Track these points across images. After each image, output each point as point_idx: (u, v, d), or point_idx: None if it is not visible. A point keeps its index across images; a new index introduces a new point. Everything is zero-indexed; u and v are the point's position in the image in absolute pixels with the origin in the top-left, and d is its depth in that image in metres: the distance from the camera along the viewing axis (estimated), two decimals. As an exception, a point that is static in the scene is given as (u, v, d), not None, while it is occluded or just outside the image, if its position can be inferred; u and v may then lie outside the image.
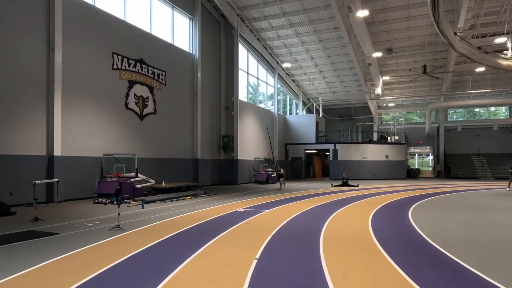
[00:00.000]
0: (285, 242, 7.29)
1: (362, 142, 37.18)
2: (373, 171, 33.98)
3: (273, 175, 27.40)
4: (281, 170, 23.05)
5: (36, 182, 11.62)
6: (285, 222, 9.69)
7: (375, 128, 41.50)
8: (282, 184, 22.63)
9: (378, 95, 34.12)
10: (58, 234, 8.12)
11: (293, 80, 37.28)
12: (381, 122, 43.22)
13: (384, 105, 41.04)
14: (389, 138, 38.03)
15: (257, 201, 14.98)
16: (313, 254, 6.36)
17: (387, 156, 34.76)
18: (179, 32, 22.19)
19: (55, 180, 13.00)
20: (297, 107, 40.28)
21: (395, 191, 20.29)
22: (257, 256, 6.11)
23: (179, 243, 7.22)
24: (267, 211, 11.93)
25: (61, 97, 13.99)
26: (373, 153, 34.58)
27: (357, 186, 23.90)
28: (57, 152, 13.83)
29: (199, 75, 23.09)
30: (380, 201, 14.83)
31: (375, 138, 39.83)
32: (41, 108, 13.56)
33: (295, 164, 35.77)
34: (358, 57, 29.10)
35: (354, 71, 33.25)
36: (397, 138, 38.14)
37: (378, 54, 27.68)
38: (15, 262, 5.82)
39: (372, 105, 39.51)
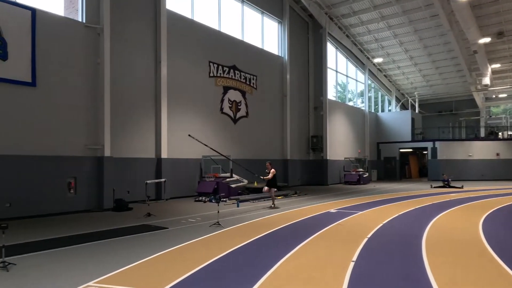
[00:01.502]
0: (383, 246, 7.05)
1: (467, 139, 33.48)
2: (481, 171, 30.39)
3: (365, 176, 26.41)
4: (271, 171, 13.24)
5: (148, 181, 13.11)
6: (381, 224, 9.34)
7: (482, 123, 36.99)
8: (272, 201, 13.41)
9: (486, 85, 30.43)
10: (167, 228, 9.06)
11: (385, 76, 35.38)
12: (490, 116, 38.37)
13: (494, 96, 36.37)
14: (500, 133, 33.60)
15: (349, 202, 14.65)
16: (415, 260, 6.05)
17: (498, 154, 30.79)
18: (268, 36, 22.82)
19: (162, 179, 14.49)
20: (389, 103, 38.10)
21: (509, 193, 17.90)
22: (354, 259, 6.04)
23: (274, 241, 7.50)
24: (361, 212, 11.60)
25: (166, 105, 15.55)
26: (481, 151, 30.93)
27: (462, 187, 21.68)
28: (164, 155, 15.40)
29: (288, 77, 23.43)
30: (491, 205, 13.27)
31: (482, 134, 35.53)
32: (151, 116, 15.25)
33: (388, 164, 33.86)
34: (460, 45, 26.38)
35: (455, 61, 30.20)
36: (511, 133, 33.48)
37: (485, 40, 24.68)
38: (134, 251, 6.70)
39: (478, 98, 35.36)
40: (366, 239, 7.55)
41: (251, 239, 7.59)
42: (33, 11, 11.22)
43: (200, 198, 15.33)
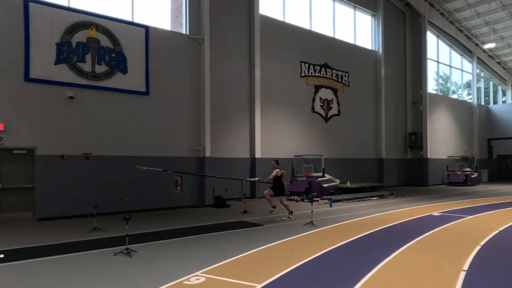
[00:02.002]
0: (502, 257, 6.32)
1: None
2: None
3: (473, 176, 23.71)
4: (275, 171, 10.76)
5: (243, 180, 13.79)
6: (497, 231, 8.35)
7: None
8: (287, 210, 10.72)
9: None
10: (263, 225, 9.44)
11: (498, 63, 31.20)
12: None
13: None
14: None
15: (454, 205, 13.36)
16: (540, 275, 5.30)
17: None
18: (360, 31, 22.01)
19: (256, 178, 15.06)
20: (504, 94, 33.46)
21: None
22: (465, 268, 5.55)
23: (371, 244, 7.28)
24: (470, 217, 10.51)
25: (260, 107, 16.13)
26: None
27: None
28: (257, 154, 16.00)
29: (382, 71, 22.29)
30: None
31: None
32: (246, 117, 15.99)
33: (504, 163, 29.79)
34: None
35: None
36: None
37: None
38: (235, 246, 7.16)
39: None
40: (478, 247, 6.85)
41: (346, 240, 7.49)
42: (147, 28, 12.74)
43: (292, 197, 15.53)
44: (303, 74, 18.43)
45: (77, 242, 7.54)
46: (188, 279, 5.05)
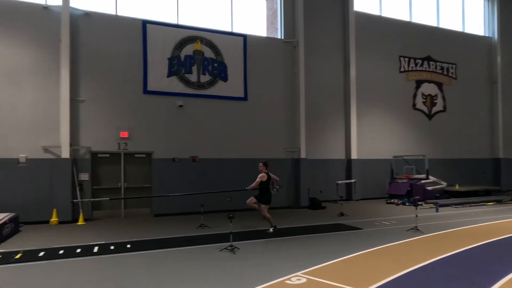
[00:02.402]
0: None
1: None
2: None
3: None
4: (259, 176, 8.85)
5: (338, 182, 13.63)
6: None
7: None
8: (269, 221, 8.90)
9: None
10: (361, 229, 9.23)
11: None
12: None
13: None
14: None
15: None
16: None
17: None
18: (470, 17, 19.78)
19: (352, 180, 14.73)
20: None
21: None
22: None
23: (489, 255, 6.59)
24: None
25: (355, 106, 15.72)
26: None
27: None
28: (353, 155, 15.61)
29: (498, 59, 19.70)
30: None
31: None
32: (341, 118, 15.74)
33: None
34: None
35: None
36: None
37: None
38: (334, 248, 7.17)
39: None
40: None
41: (457, 250, 6.91)
42: (245, 37, 13.50)
43: (392, 200, 14.77)
44: (402, 69, 17.36)
45: (188, 237, 8.39)
46: (289, 279, 5.26)
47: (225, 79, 13.08)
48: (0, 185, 10.13)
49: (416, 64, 17.67)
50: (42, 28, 10.79)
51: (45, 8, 10.88)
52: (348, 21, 15.70)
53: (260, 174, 8.83)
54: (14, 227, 8.87)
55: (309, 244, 7.67)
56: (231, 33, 13.45)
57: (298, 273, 5.51)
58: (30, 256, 6.70)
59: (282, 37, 14.33)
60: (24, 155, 10.42)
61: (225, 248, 6.99)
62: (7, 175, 10.23)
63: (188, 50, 12.49)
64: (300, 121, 14.04)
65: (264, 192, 8.80)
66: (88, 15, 11.37)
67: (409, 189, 14.71)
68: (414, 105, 17.65)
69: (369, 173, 16.05)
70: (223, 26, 13.56)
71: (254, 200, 8.88)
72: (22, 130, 10.46)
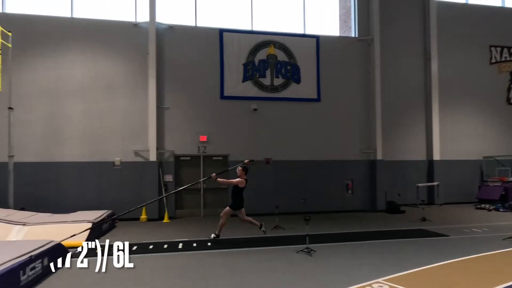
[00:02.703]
0: None
1: None
2: None
3: None
4: (244, 183, 8.26)
5: (419, 185, 12.81)
6: None
7: None
8: (256, 225, 8.50)
9: None
10: (448, 236, 8.56)
11: None
12: None
13: None
14: None
15: None
16: None
17: None
18: None
19: (435, 183, 13.72)
20: None
21: None
22: None
23: None
24: None
25: (438, 103, 14.64)
26: None
27: None
28: (436, 156, 14.55)
29: None
30: None
31: None
32: (420, 116, 14.79)
33: None
34: None
35: None
36: None
37: None
38: (417, 255, 6.76)
39: None
40: None
41: None
42: (317, 38, 13.46)
43: (483, 205, 13.45)
44: (493, 61, 15.71)
45: (264, 238, 8.54)
46: (370, 285, 5.11)
47: (298, 81, 13.15)
48: (99, 185, 11.45)
49: (510, 54, 15.87)
50: (132, 44, 11.98)
51: (135, 25, 12.06)
52: (428, 13, 14.69)
53: (239, 179, 8.13)
54: (111, 223, 9.94)
55: (389, 249, 7.36)
56: (304, 35, 13.49)
57: (380, 280, 5.31)
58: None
59: (356, 35, 13.95)
60: (119, 159, 11.64)
61: (302, 250, 7.01)
62: (104, 176, 11.52)
63: (262, 54, 12.84)
64: (376, 121, 13.51)
65: (238, 198, 8.22)
66: (171, 28, 12.32)
67: (503, 193, 13.28)
68: (508, 99, 15.85)
69: (453, 176, 14.82)
70: (296, 28, 13.65)
71: (231, 212, 8.24)
72: (117, 136, 11.69)
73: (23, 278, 4.75)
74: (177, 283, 5.49)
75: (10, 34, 9.66)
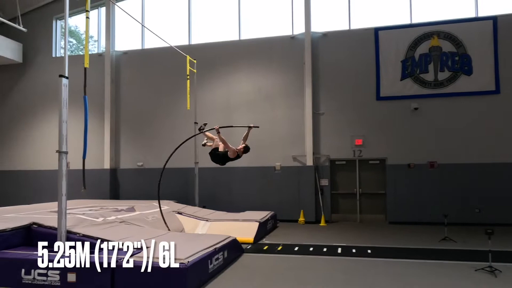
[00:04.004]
0: None
1: None
2: None
3: None
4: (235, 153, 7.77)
5: None
6: None
7: None
8: None
9: None
10: None
11: None
12: None
13: None
14: None
15: None
16: None
17: None
18: None
19: None
20: None
21: None
22: None
23: None
24: None
25: None
26: None
27: None
28: None
29: None
30: None
31: None
32: None
33: None
34: None
35: None
36: None
37: None
38: None
39: None
40: None
41: None
42: (494, 19, 11.40)
43: None
44: None
45: (431, 250, 7.77)
46: None
47: (468, 72, 11.44)
48: (263, 188, 12.52)
49: None
50: (289, 55, 12.71)
51: (292, 37, 12.77)
52: None
53: (233, 149, 7.96)
54: (273, 224, 10.75)
55: None
56: (476, 19, 11.64)
57: None
58: (288, 249, 7.93)
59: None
60: (279, 164, 12.49)
61: (482, 269, 6.07)
62: (267, 180, 12.52)
63: (423, 48, 11.72)
64: None
65: (219, 159, 8.32)
66: (325, 35, 12.56)
67: None
68: None
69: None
70: (464, 13, 11.90)
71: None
72: (277, 142, 12.55)
73: (210, 266, 5.66)
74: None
75: (195, 61, 11.61)
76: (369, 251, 7.68)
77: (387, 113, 11.95)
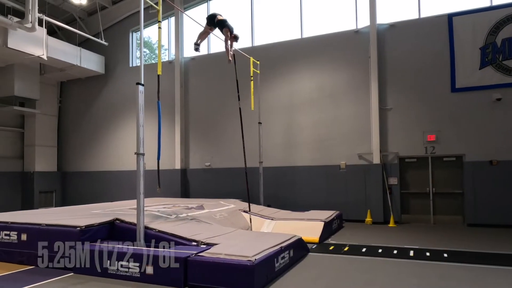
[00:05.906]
0: None
1: None
2: None
3: None
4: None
5: None
6: None
7: None
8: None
9: None
10: None
11: None
12: None
13: None
14: None
15: None
16: None
17: None
18: None
19: None
20: None
21: None
22: None
23: None
24: None
25: None
26: None
27: None
28: None
29: None
30: None
31: None
32: None
33: None
34: None
35: None
36: None
37: None
38: None
39: None
40: None
41: None
42: None
43: None
44: None
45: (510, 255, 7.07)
46: None
47: None
48: (327, 187, 12.31)
49: None
50: (353, 50, 12.33)
51: (356, 32, 12.38)
52: None
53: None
54: (339, 223, 10.52)
55: None
56: None
57: None
58: (355, 250, 7.71)
59: None
60: (344, 162, 12.19)
61: None
62: (331, 179, 12.29)
63: (506, 32, 10.54)
64: None
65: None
66: (392, 26, 11.96)
67: None
68: None
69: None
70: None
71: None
72: (342, 140, 12.26)
73: (276, 265, 5.75)
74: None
75: (258, 62, 11.83)
76: (445, 255, 7.19)
77: (464, 105, 11.01)
